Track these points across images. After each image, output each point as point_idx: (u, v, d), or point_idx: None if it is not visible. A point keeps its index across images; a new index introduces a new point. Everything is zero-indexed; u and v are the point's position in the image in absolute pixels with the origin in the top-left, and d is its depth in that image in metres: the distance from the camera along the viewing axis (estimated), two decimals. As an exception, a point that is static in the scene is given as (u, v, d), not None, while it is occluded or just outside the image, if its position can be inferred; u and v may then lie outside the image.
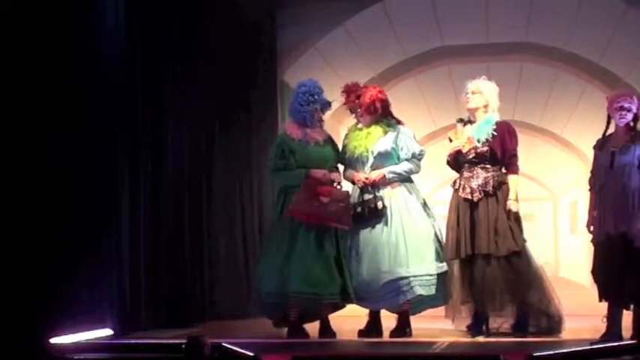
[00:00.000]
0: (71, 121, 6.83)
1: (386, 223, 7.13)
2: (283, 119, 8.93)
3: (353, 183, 7.32)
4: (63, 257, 6.63)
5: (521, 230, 7.01)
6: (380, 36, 9.08)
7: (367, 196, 7.16)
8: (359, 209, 7.16)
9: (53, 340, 6.15)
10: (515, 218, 7.00)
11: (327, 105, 7.33)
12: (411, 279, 7.05)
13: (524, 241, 7.00)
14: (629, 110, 6.52)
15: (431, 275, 7.08)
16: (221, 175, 8.85)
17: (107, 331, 7.10)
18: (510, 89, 8.38)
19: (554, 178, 8.87)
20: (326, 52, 9.16)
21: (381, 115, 7.28)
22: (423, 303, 7.22)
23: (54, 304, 6.48)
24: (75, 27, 7.00)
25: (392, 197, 7.19)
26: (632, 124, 6.56)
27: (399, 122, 7.33)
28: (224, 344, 5.48)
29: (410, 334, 7.17)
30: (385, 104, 7.30)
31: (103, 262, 7.22)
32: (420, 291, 7.05)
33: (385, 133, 7.26)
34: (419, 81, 9.09)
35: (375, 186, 7.18)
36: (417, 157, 7.25)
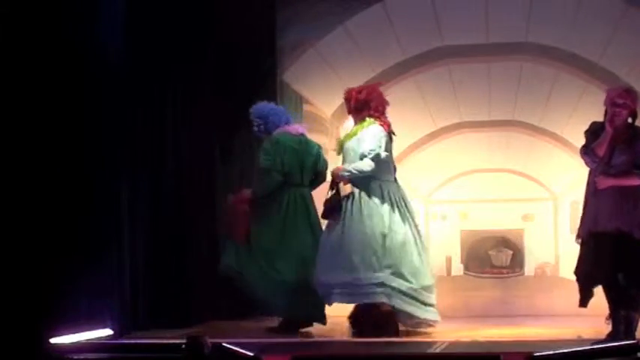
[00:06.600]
0: (70, 122, 6.83)
1: (338, 223, 7.06)
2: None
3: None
4: (63, 257, 6.62)
5: None
6: (380, 36, 9.08)
7: (329, 194, 7.16)
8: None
9: (53, 340, 6.14)
10: None
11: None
12: (326, 287, 7.00)
13: None
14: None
15: (357, 285, 6.94)
16: (221, 175, 8.85)
17: (107, 331, 7.10)
18: (510, 89, 8.38)
19: (554, 178, 8.86)
20: (326, 52, 9.15)
21: (363, 113, 7.19)
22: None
23: (54, 304, 6.48)
24: (75, 26, 6.99)
25: (347, 197, 7.08)
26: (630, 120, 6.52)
27: (382, 122, 7.17)
28: (224, 344, 5.47)
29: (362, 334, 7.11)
30: (361, 103, 7.20)
31: (103, 262, 7.21)
32: (337, 300, 6.99)
33: (357, 131, 7.18)
34: (419, 81, 9.07)
35: (335, 184, 7.12)
36: (366, 156, 7.05)
